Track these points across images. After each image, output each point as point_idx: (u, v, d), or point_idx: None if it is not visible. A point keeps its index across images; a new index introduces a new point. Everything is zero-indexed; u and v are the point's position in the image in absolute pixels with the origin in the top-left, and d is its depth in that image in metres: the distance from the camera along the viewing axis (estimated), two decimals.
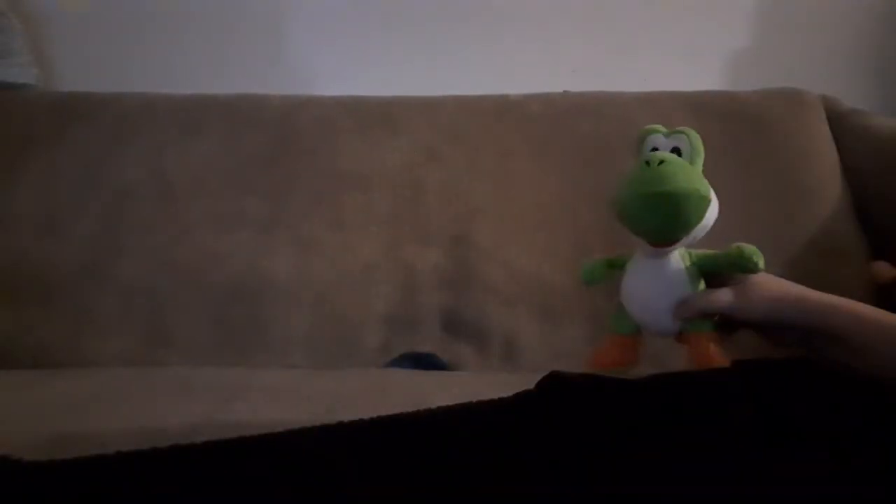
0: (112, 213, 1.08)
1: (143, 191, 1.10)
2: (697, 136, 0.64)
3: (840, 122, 1.16)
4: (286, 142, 1.15)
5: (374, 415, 0.38)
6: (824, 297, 0.57)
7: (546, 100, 1.20)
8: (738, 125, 1.12)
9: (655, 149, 0.63)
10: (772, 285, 0.60)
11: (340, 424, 0.36)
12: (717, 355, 0.60)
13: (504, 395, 0.42)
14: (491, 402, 0.40)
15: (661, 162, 0.58)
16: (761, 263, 0.60)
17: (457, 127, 1.17)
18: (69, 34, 1.36)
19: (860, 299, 0.55)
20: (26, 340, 1.00)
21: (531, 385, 0.44)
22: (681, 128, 0.65)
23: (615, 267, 0.70)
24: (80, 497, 0.31)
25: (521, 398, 0.41)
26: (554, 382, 0.42)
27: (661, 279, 0.62)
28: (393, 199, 1.10)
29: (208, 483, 0.32)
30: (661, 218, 0.58)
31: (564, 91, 1.23)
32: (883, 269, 1.03)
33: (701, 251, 0.65)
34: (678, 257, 0.63)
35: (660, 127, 0.66)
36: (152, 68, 1.38)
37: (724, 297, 0.59)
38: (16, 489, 0.31)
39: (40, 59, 1.32)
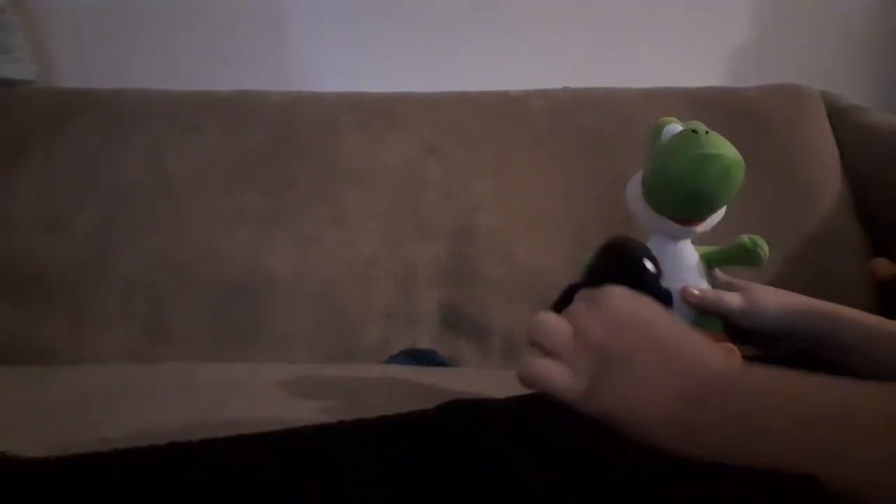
0: (112, 209, 1.08)
1: (143, 187, 1.10)
2: None
3: (840, 119, 1.16)
4: (286, 138, 1.15)
5: (376, 412, 0.38)
6: (829, 305, 0.57)
7: (546, 96, 1.20)
8: (739, 121, 1.11)
9: None
10: (775, 294, 0.60)
11: (340, 424, 0.36)
12: None
13: (503, 392, 0.42)
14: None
15: (708, 131, 0.58)
16: (767, 252, 0.61)
17: (457, 123, 1.17)
18: (69, 31, 1.36)
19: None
20: (27, 337, 1.00)
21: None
22: (693, 122, 0.66)
23: None
24: (77, 494, 0.31)
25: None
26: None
27: (677, 265, 0.62)
28: (393, 195, 1.10)
29: (206, 481, 0.32)
30: (714, 180, 0.57)
31: (565, 87, 1.23)
32: (883, 265, 1.03)
33: (705, 248, 0.65)
34: (691, 247, 0.63)
35: (675, 119, 0.66)
36: (152, 65, 1.37)
37: (734, 299, 0.59)
38: (13, 486, 0.31)
39: (40, 55, 1.31)
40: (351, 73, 1.41)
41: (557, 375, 0.42)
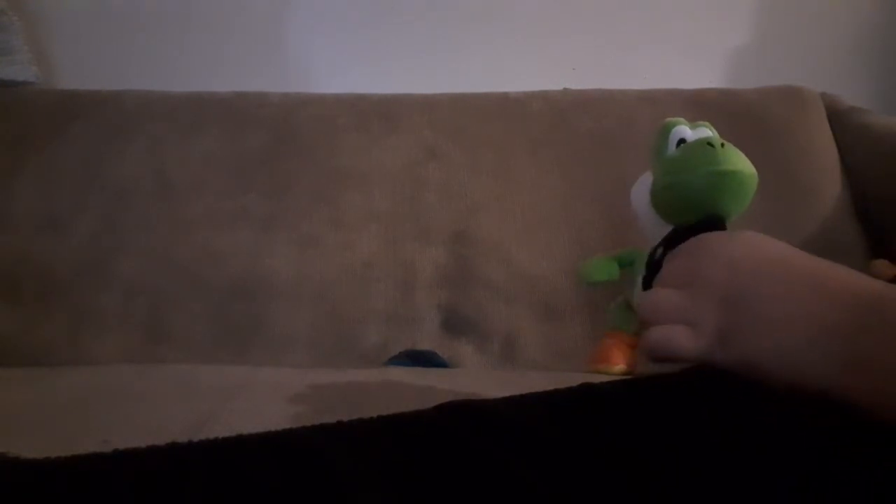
0: (111, 210, 1.08)
1: (143, 189, 1.10)
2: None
3: (840, 120, 1.16)
4: (286, 139, 1.15)
5: (376, 413, 0.38)
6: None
7: (546, 97, 1.20)
8: (739, 123, 1.11)
9: (683, 139, 0.64)
10: None
11: (340, 424, 0.36)
12: None
13: (503, 392, 0.42)
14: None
15: (724, 144, 0.58)
16: None
17: (457, 124, 1.17)
18: (69, 32, 1.36)
19: None
20: (26, 338, 1.00)
21: (532, 382, 0.44)
22: (700, 122, 0.66)
23: (624, 264, 0.70)
24: (78, 495, 0.31)
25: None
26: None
27: None
28: (392, 197, 1.10)
29: (206, 482, 0.32)
30: (732, 197, 0.57)
31: (564, 88, 1.23)
32: (882, 267, 1.03)
33: None
34: None
35: (682, 119, 0.66)
36: (152, 66, 1.38)
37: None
38: (13, 486, 0.31)
39: (40, 56, 1.31)
40: (350, 75, 1.41)
41: (680, 336, 0.39)
